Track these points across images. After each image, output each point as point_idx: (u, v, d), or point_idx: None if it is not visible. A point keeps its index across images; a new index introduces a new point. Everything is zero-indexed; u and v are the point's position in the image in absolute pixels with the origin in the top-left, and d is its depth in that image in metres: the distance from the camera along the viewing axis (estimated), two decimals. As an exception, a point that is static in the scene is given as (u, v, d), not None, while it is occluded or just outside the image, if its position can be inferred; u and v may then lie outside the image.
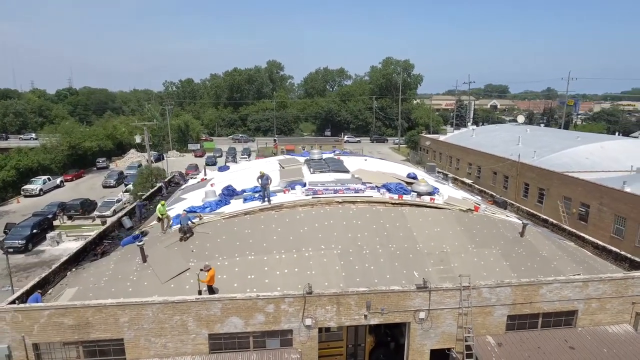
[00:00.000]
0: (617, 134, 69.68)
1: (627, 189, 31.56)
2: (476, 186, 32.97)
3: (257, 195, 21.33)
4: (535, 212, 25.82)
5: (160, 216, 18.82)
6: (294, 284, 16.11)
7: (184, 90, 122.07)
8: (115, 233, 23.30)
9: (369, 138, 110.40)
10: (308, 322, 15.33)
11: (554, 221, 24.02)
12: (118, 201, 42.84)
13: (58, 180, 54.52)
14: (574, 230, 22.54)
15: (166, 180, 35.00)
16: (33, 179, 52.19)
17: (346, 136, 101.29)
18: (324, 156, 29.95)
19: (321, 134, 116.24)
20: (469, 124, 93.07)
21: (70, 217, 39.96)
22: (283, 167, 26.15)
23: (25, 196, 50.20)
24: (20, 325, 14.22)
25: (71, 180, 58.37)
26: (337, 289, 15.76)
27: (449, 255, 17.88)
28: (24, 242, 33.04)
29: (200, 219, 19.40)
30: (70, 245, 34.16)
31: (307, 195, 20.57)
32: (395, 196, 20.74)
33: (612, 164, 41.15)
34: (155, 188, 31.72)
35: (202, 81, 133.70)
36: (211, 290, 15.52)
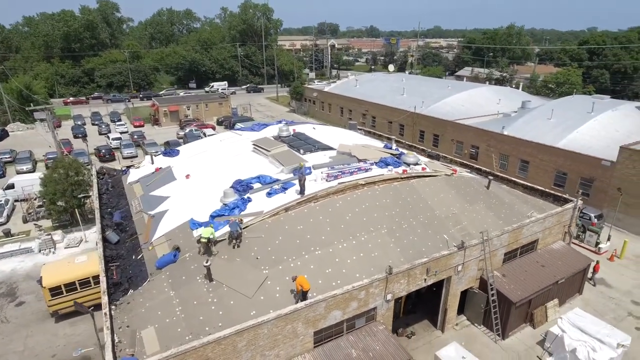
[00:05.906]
0: (463, 78, 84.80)
1: (506, 132, 41.25)
2: (405, 142, 38.03)
3: (277, 187, 21.41)
4: (468, 163, 32.10)
5: (204, 239, 17.52)
6: (366, 268, 18.11)
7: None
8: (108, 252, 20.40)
9: (242, 88, 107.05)
10: (389, 297, 17.84)
11: (487, 169, 30.58)
12: (7, 202, 34.51)
13: None
14: (506, 176, 29.42)
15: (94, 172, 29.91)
16: None
17: (220, 88, 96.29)
18: (291, 130, 30.20)
19: (185, 87, 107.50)
20: (340, 74, 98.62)
21: (-51, 234, 30.64)
22: (269, 150, 25.84)
23: None
24: (137, 383, 12.94)
25: None
26: (399, 263, 18.44)
27: (459, 216, 22.11)
28: None
29: (242, 222, 18.93)
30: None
31: (328, 181, 21.72)
32: (400, 170, 23.62)
33: (479, 109, 51.66)
34: (95, 184, 27.19)
35: (13, 26, 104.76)
36: (304, 296, 16.20)
